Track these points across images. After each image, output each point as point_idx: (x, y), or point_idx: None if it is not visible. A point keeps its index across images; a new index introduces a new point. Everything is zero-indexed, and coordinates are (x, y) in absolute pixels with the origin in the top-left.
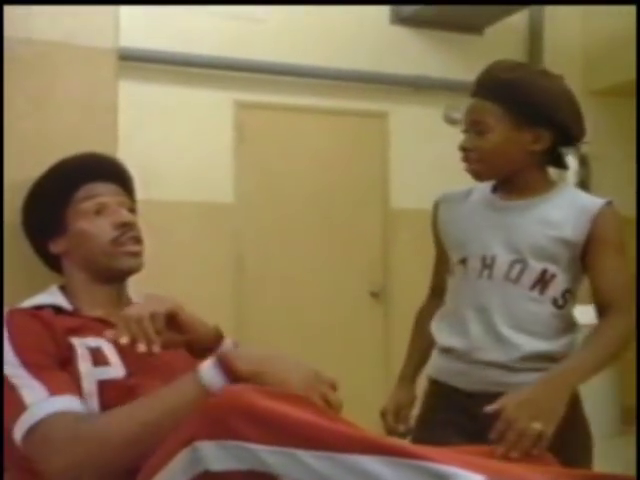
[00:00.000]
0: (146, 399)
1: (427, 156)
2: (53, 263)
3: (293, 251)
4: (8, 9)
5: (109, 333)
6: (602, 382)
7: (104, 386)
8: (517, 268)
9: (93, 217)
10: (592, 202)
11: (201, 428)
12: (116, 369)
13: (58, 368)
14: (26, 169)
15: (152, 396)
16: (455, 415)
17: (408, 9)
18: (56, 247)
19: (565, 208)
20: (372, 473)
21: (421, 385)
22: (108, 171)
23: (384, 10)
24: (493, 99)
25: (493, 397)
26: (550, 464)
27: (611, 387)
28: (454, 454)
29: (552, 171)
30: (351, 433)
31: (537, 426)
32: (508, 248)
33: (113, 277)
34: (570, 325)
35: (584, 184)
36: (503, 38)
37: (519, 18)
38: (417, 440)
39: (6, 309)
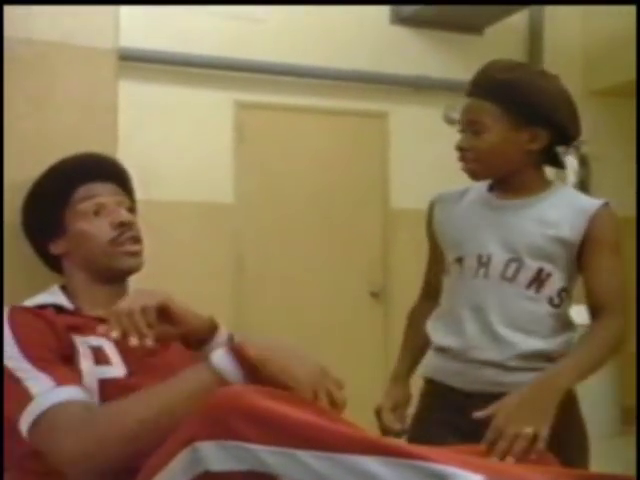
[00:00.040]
0: (161, 386)
1: (427, 156)
2: (54, 264)
3: (293, 251)
4: (8, 9)
5: (101, 329)
6: (602, 382)
7: (105, 385)
8: (513, 267)
9: (92, 217)
10: (589, 202)
11: (201, 428)
12: (117, 368)
13: (61, 363)
14: (26, 169)
15: (166, 383)
16: (451, 415)
17: (408, 9)
18: (56, 248)
19: (562, 208)
20: (372, 473)
21: (416, 385)
22: (106, 171)
23: (384, 10)
24: (490, 99)
25: (489, 397)
26: (550, 464)
27: (611, 387)
28: (453, 454)
29: (552, 171)
30: (351, 433)
31: (529, 430)
32: (504, 247)
33: (113, 277)
34: (566, 324)
35: (584, 184)
36: (503, 38)
37: (519, 18)
38: (412, 439)
39: (6, 308)
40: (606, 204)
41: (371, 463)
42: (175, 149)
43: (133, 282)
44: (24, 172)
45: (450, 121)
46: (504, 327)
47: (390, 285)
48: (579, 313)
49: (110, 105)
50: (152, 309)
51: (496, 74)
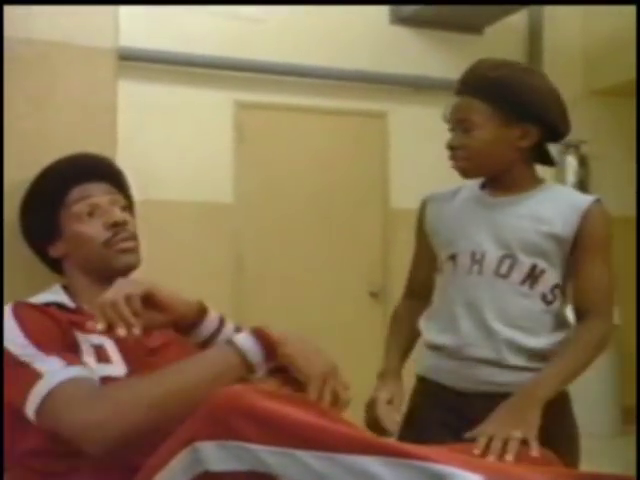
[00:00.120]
0: (183, 363)
1: (427, 156)
2: (54, 265)
3: (293, 251)
4: (8, 9)
5: (89, 324)
6: (602, 382)
7: (106, 383)
8: (507, 263)
9: (86, 219)
10: (581, 198)
11: (202, 428)
12: (117, 367)
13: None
14: (26, 169)
15: (189, 360)
16: (443, 413)
17: (408, 9)
18: (55, 251)
19: (555, 204)
20: (371, 473)
21: (406, 383)
22: (99, 170)
23: (384, 10)
24: (480, 97)
25: (482, 396)
26: (550, 464)
27: (611, 387)
28: (453, 454)
29: (551, 172)
30: (351, 433)
31: (518, 434)
32: (498, 244)
33: (113, 277)
34: (561, 323)
35: (583, 184)
36: (503, 38)
37: (519, 18)
38: (403, 438)
39: (9, 304)
40: (598, 200)
41: (371, 463)
42: (175, 149)
43: None
44: (24, 172)
45: None
46: (499, 323)
47: (390, 285)
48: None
49: (110, 105)
50: (137, 297)
51: (485, 72)
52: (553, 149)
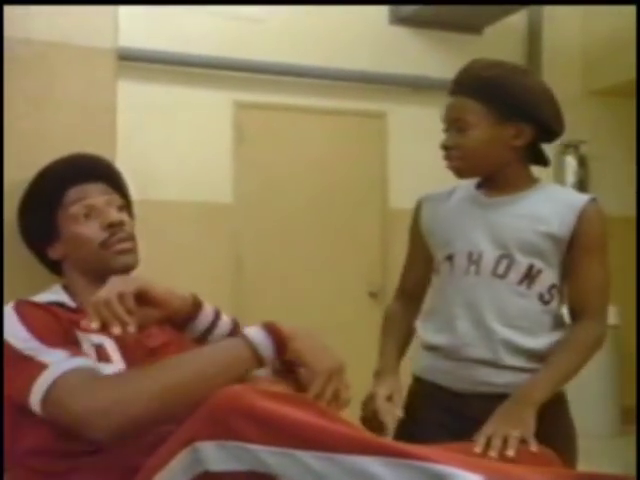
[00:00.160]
0: (193, 353)
1: (426, 156)
2: (53, 267)
3: (292, 251)
4: (7, 9)
5: (84, 323)
6: (602, 382)
7: None
8: (504, 263)
9: (83, 220)
10: (577, 198)
11: (201, 429)
12: (117, 366)
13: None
14: (25, 169)
15: (199, 351)
16: (438, 414)
17: (407, 9)
18: (54, 253)
19: (551, 203)
20: (371, 474)
21: (403, 383)
22: (95, 171)
23: (383, 10)
24: (474, 96)
25: (479, 396)
26: (551, 463)
27: (611, 387)
28: (453, 454)
29: (551, 172)
30: (351, 434)
31: (516, 433)
32: (495, 244)
33: None
34: (558, 323)
35: (583, 184)
36: (502, 38)
37: (518, 18)
38: (398, 438)
39: (9, 303)
40: (593, 199)
41: (370, 463)
42: (174, 149)
43: None
44: (23, 172)
45: None
46: (498, 324)
47: (389, 285)
48: None
49: (109, 105)
50: (129, 295)
51: (478, 72)
52: (553, 149)
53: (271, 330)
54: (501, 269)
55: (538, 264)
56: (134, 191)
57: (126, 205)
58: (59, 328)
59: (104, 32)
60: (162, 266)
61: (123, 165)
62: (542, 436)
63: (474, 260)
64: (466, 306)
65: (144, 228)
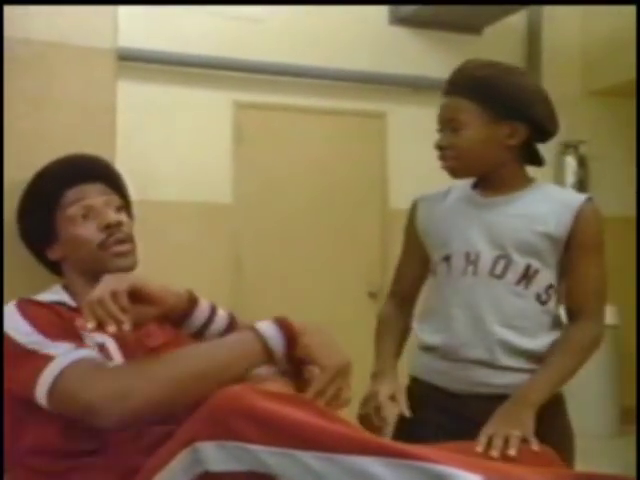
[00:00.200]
0: (205, 345)
1: (426, 156)
2: (53, 268)
3: (291, 252)
4: (6, 9)
5: (79, 322)
6: (602, 382)
7: None
8: (502, 264)
9: (81, 221)
10: (574, 197)
11: (202, 429)
12: None
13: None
14: (25, 169)
15: (211, 343)
16: (435, 414)
17: (407, 9)
18: (53, 254)
19: (548, 203)
20: (371, 474)
21: (401, 383)
22: (93, 171)
23: (383, 10)
24: (468, 96)
25: (475, 397)
26: (551, 463)
27: (611, 387)
28: (453, 454)
29: (550, 172)
30: (350, 434)
31: (517, 433)
32: (492, 244)
33: None
34: (556, 324)
35: (583, 184)
36: (502, 38)
37: (518, 18)
38: (395, 438)
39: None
40: (590, 199)
41: (370, 464)
42: (174, 149)
43: None
44: (23, 172)
45: None
46: (496, 324)
47: (388, 285)
48: None
49: (109, 105)
50: (123, 293)
51: (472, 72)
52: (553, 149)
53: (282, 325)
54: (499, 269)
55: (535, 264)
56: (133, 191)
57: (125, 205)
58: (62, 324)
59: (103, 32)
60: (162, 266)
61: (122, 165)
62: (540, 436)
63: (472, 260)
64: (464, 306)
65: (143, 228)
